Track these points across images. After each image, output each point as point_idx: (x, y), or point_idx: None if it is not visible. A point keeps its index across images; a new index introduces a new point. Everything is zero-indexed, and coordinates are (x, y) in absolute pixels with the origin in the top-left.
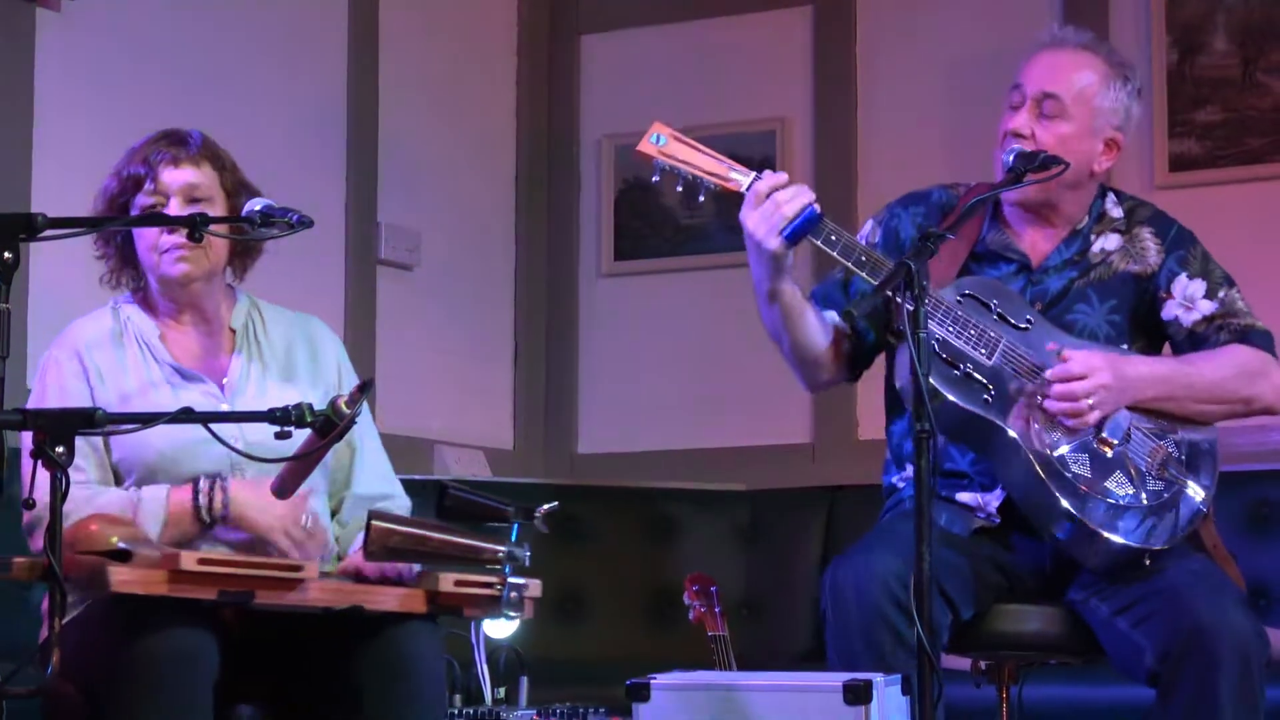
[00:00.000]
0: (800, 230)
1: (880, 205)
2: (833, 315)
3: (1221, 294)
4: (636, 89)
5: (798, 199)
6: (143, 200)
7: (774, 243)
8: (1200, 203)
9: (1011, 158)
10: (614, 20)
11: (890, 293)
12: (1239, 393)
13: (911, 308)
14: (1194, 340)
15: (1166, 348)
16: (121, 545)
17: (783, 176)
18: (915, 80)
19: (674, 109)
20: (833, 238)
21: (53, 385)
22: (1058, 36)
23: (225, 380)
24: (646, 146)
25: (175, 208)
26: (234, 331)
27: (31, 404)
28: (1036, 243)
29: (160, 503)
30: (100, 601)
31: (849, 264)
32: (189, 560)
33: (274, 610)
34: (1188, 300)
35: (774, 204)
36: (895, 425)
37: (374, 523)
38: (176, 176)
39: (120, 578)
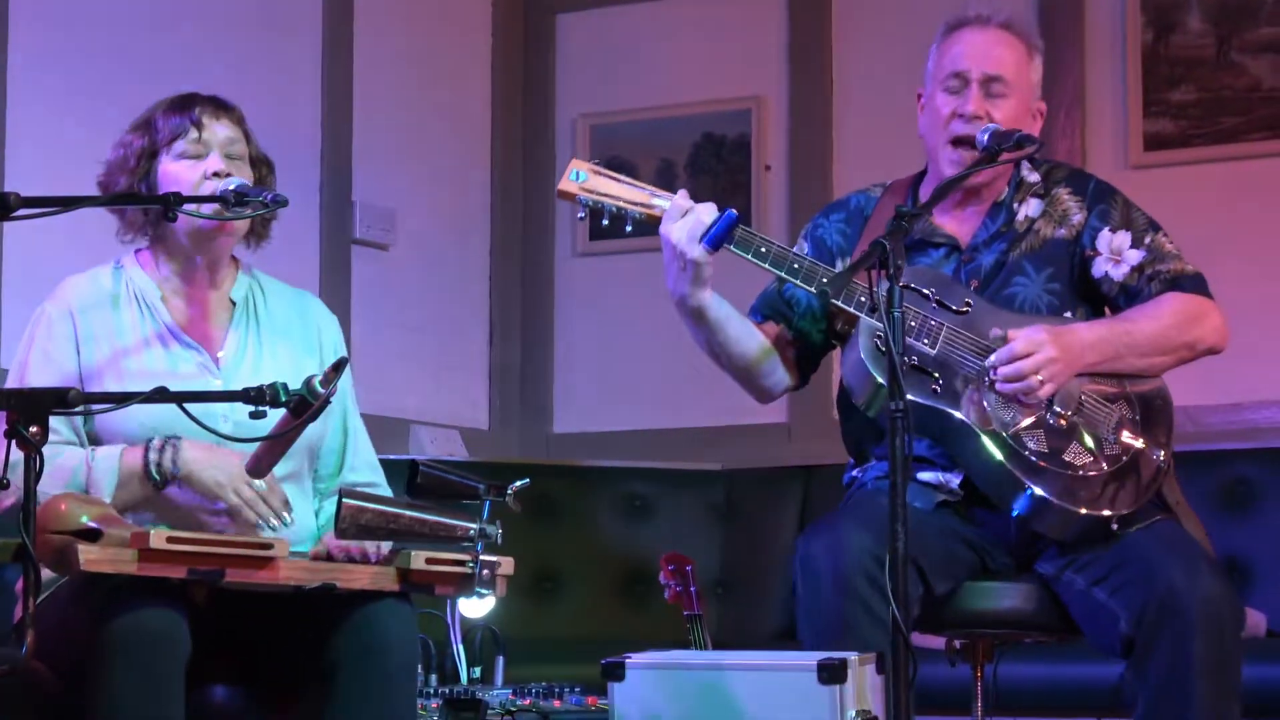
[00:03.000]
0: (720, 235)
1: (855, 185)
2: (772, 325)
3: (1148, 240)
4: (612, 68)
5: (714, 208)
6: (183, 148)
7: (695, 250)
8: (1175, 182)
9: (986, 136)
10: None
11: (835, 300)
12: (1181, 339)
13: (883, 292)
14: (1128, 294)
15: (1108, 311)
16: (91, 524)
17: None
18: (890, 58)
19: (649, 88)
20: (763, 250)
21: (39, 349)
22: (977, 17)
23: (221, 354)
24: (567, 185)
25: (215, 161)
26: (234, 303)
27: (15, 360)
28: (961, 222)
29: (114, 461)
30: (71, 581)
31: (782, 274)
32: (158, 539)
33: (245, 590)
34: (1115, 253)
35: (692, 214)
36: (848, 424)
37: (345, 500)
38: (220, 130)
39: (89, 557)
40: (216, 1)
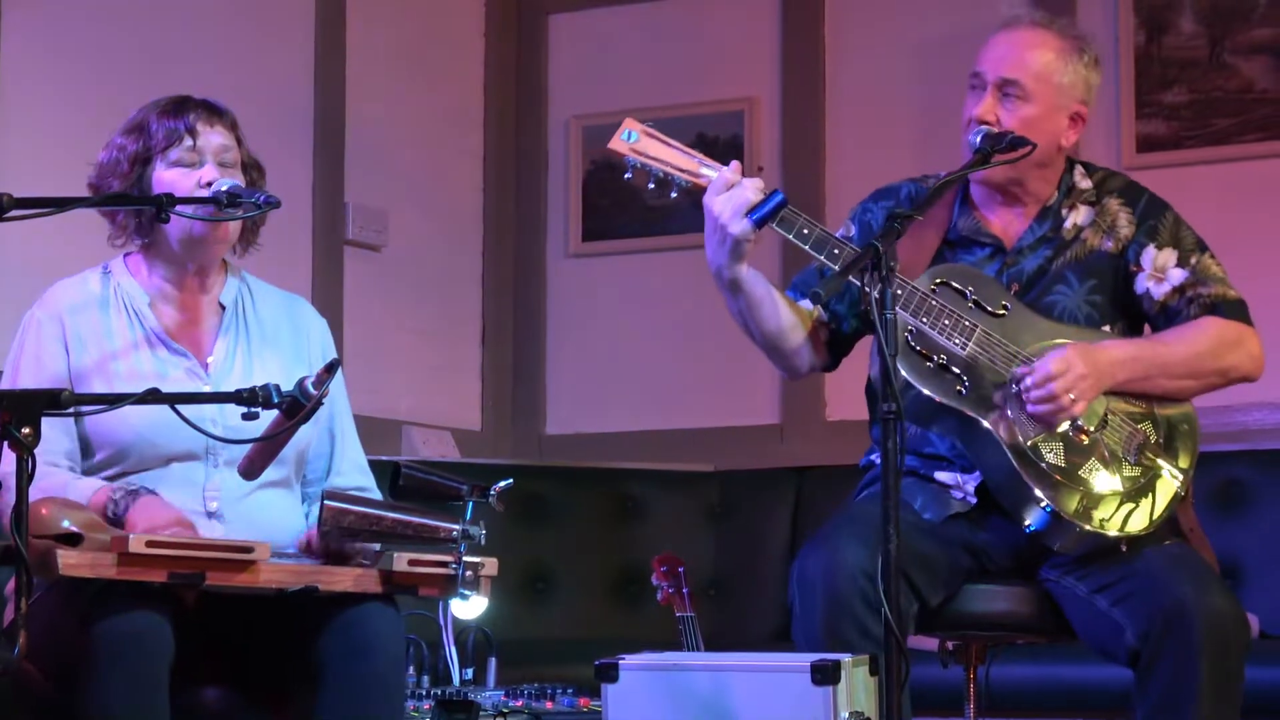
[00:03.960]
0: (766, 214)
1: (847, 186)
2: (807, 304)
3: (1193, 260)
4: (604, 69)
5: (761, 184)
6: (177, 155)
7: (739, 226)
8: (1168, 184)
9: (978, 139)
10: (582, 0)
11: (855, 280)
12: (1214, 365)
13: (875, 293)
14: (1166, 314)
15: (1147, 329)
16: (72, 529)
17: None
18: (883, 61)
19: (642, 89)
20: (805, 231)
21: (29, 353)
22: (1012, 17)
23: (210, 359)
24: (618, 144)
25: (210, 171)
26: (223, 307)
27: (7, 364)
28: (1008, 224)
29: (85, 495)
30: (57, 584)
31: (821, 258)
32: (137, 543)
33: (229, 592)
34: (1159, 271)
35: (740, 188)
36: (874, 411)
37: (327, 502)
38: (213, 137)
39: (68, 561)
40: (209, 3)
